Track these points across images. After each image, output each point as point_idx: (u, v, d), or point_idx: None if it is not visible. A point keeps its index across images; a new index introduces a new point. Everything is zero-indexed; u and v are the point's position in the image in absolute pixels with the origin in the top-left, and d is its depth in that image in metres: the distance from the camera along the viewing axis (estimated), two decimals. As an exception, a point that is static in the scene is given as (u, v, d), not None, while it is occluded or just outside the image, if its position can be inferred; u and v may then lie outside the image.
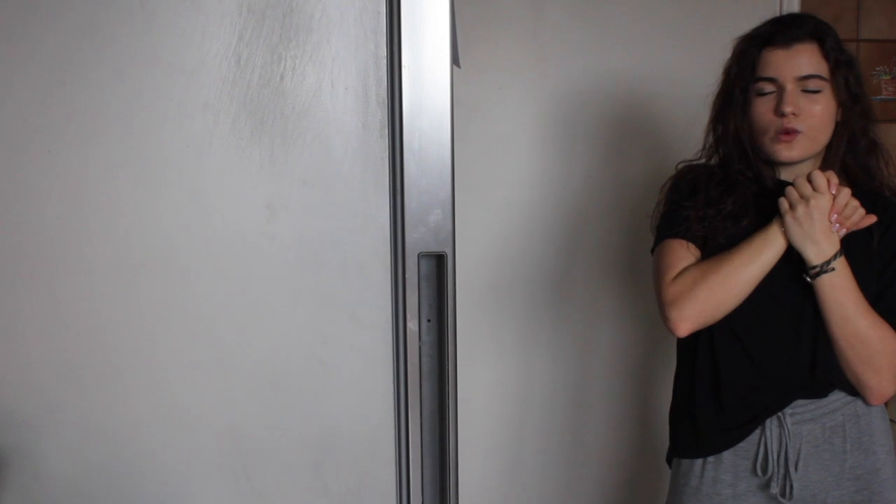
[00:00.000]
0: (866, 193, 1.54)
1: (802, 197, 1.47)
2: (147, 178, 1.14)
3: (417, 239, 1.16)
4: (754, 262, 1.50)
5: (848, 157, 1.58)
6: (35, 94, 1.11)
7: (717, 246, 1.55)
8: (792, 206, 1.48)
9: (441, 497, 1.22)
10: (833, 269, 1.47)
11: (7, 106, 1.11)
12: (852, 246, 1.50)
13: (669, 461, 1.73)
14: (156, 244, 1.15)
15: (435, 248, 1.17)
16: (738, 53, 1.59)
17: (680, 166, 1.69)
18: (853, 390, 1.56)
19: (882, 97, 2.59)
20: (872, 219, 1.49)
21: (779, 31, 1.55)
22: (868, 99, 1.58)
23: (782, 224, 1.49)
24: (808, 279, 1.50)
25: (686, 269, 1.54)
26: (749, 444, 1.58)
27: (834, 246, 1.48)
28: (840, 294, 1.49)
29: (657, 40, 2.31)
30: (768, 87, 1.54)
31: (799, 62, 1.52)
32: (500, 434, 2.41)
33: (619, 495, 2.46)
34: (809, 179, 1.48)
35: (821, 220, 1.46)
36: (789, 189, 1.50)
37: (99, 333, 1.15)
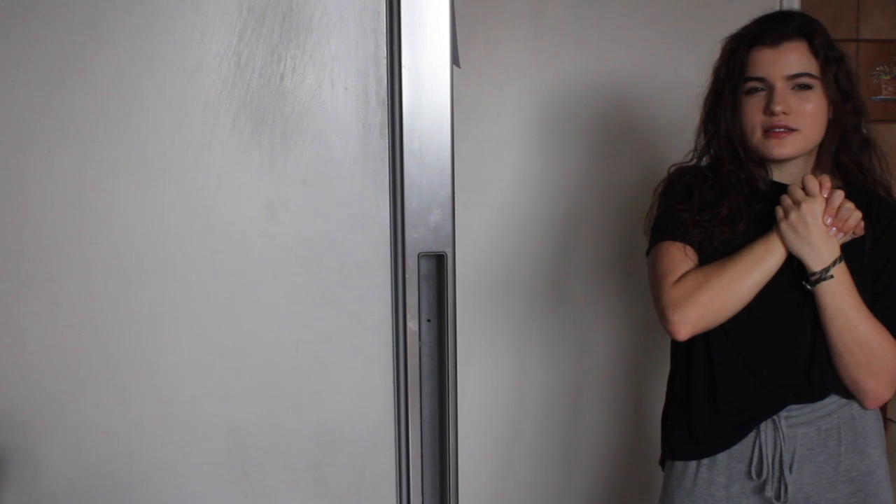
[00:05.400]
0: (860, 192, 1.54)
1: (795, 202, 1.47)
2: (147, 178, 1.14)
3: (417, 239, 1.16)
4: (757, 268, 1.49)
5: (841, 154, 1.57)
6: (35, 94, 1.11)
7: (713, 251, 1.54)
8: (786, 213, 1.48)
9: (441, 497, 1.22)
10: (832, 276, 1.47)
11: (7, 106, 1.11)
12: (846, 249, 1.49)
13: (662, 463, 1.72)
14: (156, 244, 1.15)
15: (435, 248, 1.17)
16: (726, 53, 1.59)
17: (672, 169, 1.68)
18: (848, 393, 1.56)
19: (882, 97, 2.59)
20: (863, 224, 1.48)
21: (767, 30, 1.54)
22: (860, 95, 1.58)
23: (780, 232, 1.49)
24: (808, 286, 1.50)
25: (688, 273, 1.53)
26: (744, 446, 1.58)
27: (833, 252, 1.47)
28: (840, 300, 1.48)
29: (658, 41, 2.31)
30: (758, 87, 1.53)
31: (788, 61, 1.51)
32: (493, 434, 2.41)
33: (612, 496, 2.46)
34: (802, 184, 1.48)
35: (815, 224, 1.46)
36: (783, 196, 1.50)
37: (99, 333, 1.15)
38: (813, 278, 1.48)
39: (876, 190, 1.59)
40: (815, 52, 1.52)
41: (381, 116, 1.16)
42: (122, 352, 1.15)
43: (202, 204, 1.15)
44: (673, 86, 2.21)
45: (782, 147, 1.52)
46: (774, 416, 1.55)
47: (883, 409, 1.69)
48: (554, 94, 2.31)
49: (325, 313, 1.18)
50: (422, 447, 1.20)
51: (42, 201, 1.12)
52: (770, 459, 1.55)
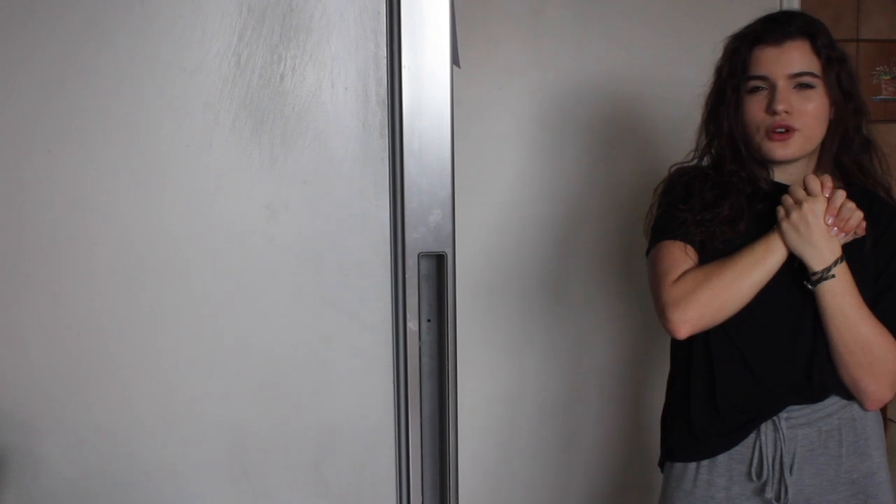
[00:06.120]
0: (861, 193, 1.54)
1: (797, 202, 1.47)
2: (147, 178, 1.14)
3: (417, 239, 1.16)
4: (757, 267, 1.49)
5: (842, 154, 1.57)
6: (35, 94, 1.11)
7: (714, 250, 1.54)
8: (787, 213, 1.48)
9: (441, 497, 1.22)
10: (833, 276, 1.47)
11: (7, 106, 1.11)
12: (846, 250, 1.49)
13: (661, 465, 1.72)
14: (156, 244, 1.15)
15: (435, 248, 1.17)
16: (729, 52, 1.59)
17: (672, 169, 1.68)
18: (849, 395, 1.56)
19: (882, 97, 2.59)
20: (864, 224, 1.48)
21: (770, 29, 1.54)
22: (861, 96, 1.58)
23: (781, 231, 1.49)
24: (809, 286, 1.49)
25: (688, 271, 1.53)
26: (744, 447, 1.57)
27: (834, 252, 1.47)
28: (841, 300, 1.48)
29: (658, 41, 2.31)
30: (760, 86, 1.53)
31: (790, 59, 1.51)
32: (493, 434, 2.41)
33: (611, 497, 2.46)
34: (804, 184, 1.48)
35: (817, 223, 1.46)
36: (785, 196, 1.50)
37: (99, 333, 1.15)
38: (814, 278, 1.48)
39: (876, 191, 1.59)
40: (817, 51, 1.52)
41: (381, 116, 1.16)
42: (122, 352, 1.15)
43: (202, 204, 1.15)
44: (673, 86, 2.21)
45: (784, 148, 1.52)
46: (775, 417, 1.55)
47: (883, 409, 1.69)
48: (554, 94, 2.31)
49: (325, 313, 1.18)
50: (422, 447, 1.20)
51: (42, 201, 1.12)
52: (770, 460, 1.55)
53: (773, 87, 1.52)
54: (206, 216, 1.15)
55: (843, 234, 1.48)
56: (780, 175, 1.58)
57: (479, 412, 2.37)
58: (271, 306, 1.17)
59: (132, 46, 1.11)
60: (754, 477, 1.56)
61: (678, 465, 1.64)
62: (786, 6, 2.34)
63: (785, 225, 1.48)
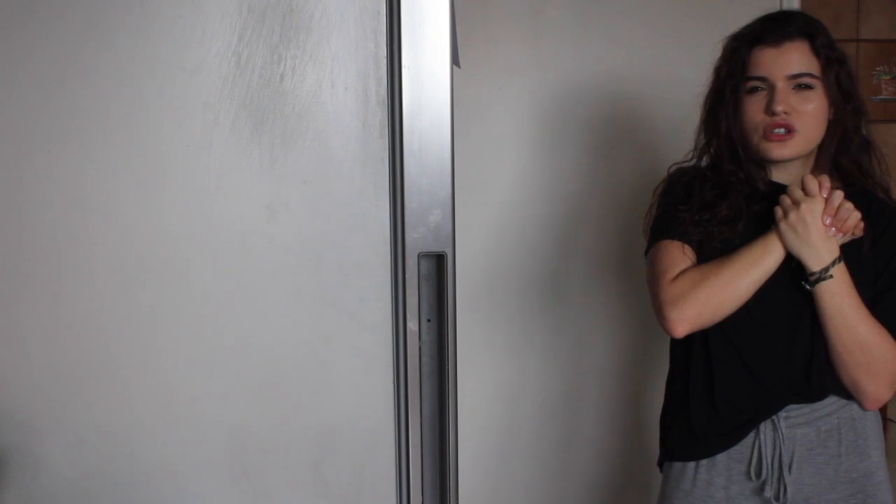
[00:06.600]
0: (860, 193, 1.54)
1: (794, 202, 1.47)
2: (147, 178, 1.14)
3: (417, 239, 1.16)
4: (755, 267, 1.49)
5: (841, 155, 1.57)
6: (35, 94, 1.11)
7: (712, 250, 1.54)
8: (785, 213, 1.48)
9: (441, 497, 1.22)
10: (831, 277, 1.47)
11: (7, 106, 1.11)
12: (844, 250, 1.49)
13: (661, 465, 1.72)
14: (156, 244, 1.15)
15: (435, 248, 1.17)
16: (728, 52, 1.59)
17: (672, 169, 1.68)
18: (848, 394, 1.55)
19: (882, 97, 2.59)
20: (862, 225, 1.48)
21: (769, 30, 1.54)
22: (860, 96, 1.58)
23: (779, 232, 1.49)
24: (808, 286, 1.49)
25: (686, 270, 1.53)
26: (743, 447, 1.57)
27: (832, 252, 1.47)
28: (840, 300, 1.48)
29: (658, 41, 2.31)
30: (759, 86, 1.53)
31: (789, 60, 1.51)
32: (493, 434, 2.41)
33: (611, 496, 2.46)
34: (802, 184, 1.48)
35: (815, 224, 1.46)
36: (783, 196, 1.50)
37: (99, 333, 1.15)
38: (812, 278, 1.48)
39: (875, 191, 1.59)
40: (816, 52, 1.52)
41: (381, 116, 1.16)
42: (122, 352, 1.15)
43: (202, 204, 1.15)
44: (673, 86, 2.21)
45: (782, 149, 1.52)
46: (774, 417, 1.55)
47: (883, 409, 1.69)
48: (554, 94, 2.31)
49: (325, 313, 1.18)
50: (422, 447, 1.20)
51: (42, 201, 1.13)
52: (769, 460, 1.55)
53: (772, 88, 1.52)
54: (206, 216, 1.15)
55: (841, 235, 1.48)
56: (777, 175, 1.58)
57: (479, 412, 2.37)
58: (271, 306, 1.17)
59: (132, 46, 1.12)
60: (753, 476, 1.56)
61: (677, 465, 1.65)
62: (786, 6, 2.33)
63: (783, 225, 1.48)
